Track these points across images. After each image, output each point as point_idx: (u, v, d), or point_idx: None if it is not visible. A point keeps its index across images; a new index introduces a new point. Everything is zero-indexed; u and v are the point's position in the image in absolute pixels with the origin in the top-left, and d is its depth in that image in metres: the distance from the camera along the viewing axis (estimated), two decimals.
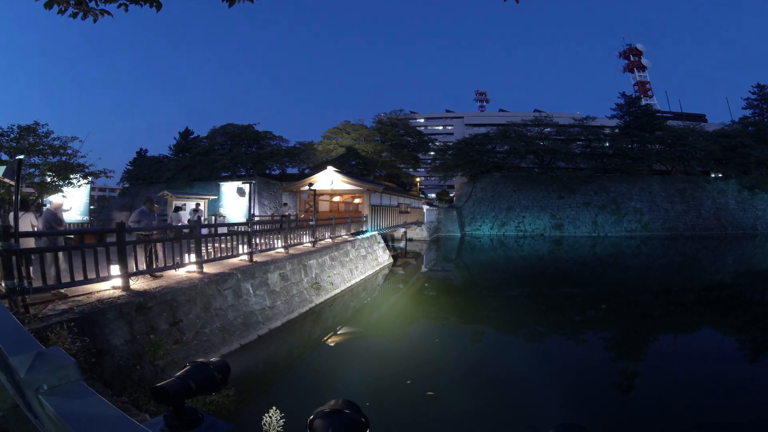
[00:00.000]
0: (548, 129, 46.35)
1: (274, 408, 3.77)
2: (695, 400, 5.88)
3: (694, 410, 5.59)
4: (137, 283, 6.33)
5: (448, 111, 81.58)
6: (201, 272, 7.58)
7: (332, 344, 8.38)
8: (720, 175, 43.12)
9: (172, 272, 7.26)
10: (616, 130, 47.09)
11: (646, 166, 42.65)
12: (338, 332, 9.07)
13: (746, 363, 7.74)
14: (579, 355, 8.06)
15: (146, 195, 40.91)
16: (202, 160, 43.42)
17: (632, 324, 10.18)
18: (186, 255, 7.59)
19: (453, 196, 50.14)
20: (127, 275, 6.03)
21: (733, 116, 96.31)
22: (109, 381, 4.67)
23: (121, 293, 5.81)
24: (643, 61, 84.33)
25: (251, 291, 8.37)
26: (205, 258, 8.00)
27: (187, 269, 7.56)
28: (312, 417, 0.84)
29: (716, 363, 7.46)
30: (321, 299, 10.76)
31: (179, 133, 56.49)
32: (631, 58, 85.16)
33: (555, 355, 7.96)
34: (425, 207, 36.74)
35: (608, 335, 9.54)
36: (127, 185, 53.79)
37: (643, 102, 60.02)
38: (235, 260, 9.02)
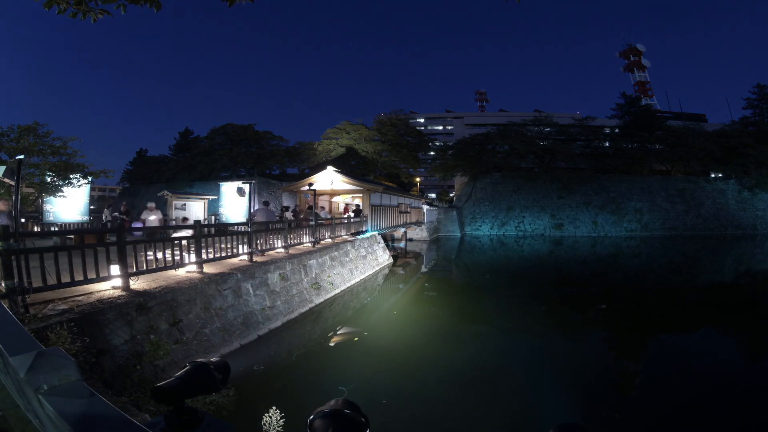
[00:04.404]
0: (548, 129, 46.37)
1: (274, 408, 3.77)
2: (696, 401, 5.88)
3: (694, 410, 5.59)
4: (137, 283, 6.33)
5: (448, 111, 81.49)
6: (201, 272, 7.58)
7: (332, 344, 8.38)
8: (720, 175, 43.06)
9: (172, 272, 7.26)
10: (616, 130, 47.12)
11: (646, 166, 42.68)
12: (338, 332, 9.07)
13: (747, 363, 7.74)
14: (579, 355, 8.06)
15: (146, 195, 40.90)
16: (202, 160, 43.47)
17: (632, 324, 10.17)
18: (186, 255, 7.60)
19: (453, 196, 50.11)
20: (127, 275, 6.04)
21: (733, 116, 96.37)
22: (109, 381, 4.66)
23: (121, 293, 5.82)
24: (643, 61, 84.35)
25: (251, 291, 8.36)
26: (205, 258, 8.00)
27: (187, 269, 7.56)
28: (312, 417, 0.84)
29: (717, 363, 7.45)
30: (321, 299, 10.76)
31: (179, 133, 56.60)
32: (631, 58, 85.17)
33: (555, 355, 7.95)
34: (425, 207, 36.72)
35: (608, 335, 9.54)
36: (127, 185, 53.92)
37: (643, 102, 60.02)
38: (235, 260, 9.02)
